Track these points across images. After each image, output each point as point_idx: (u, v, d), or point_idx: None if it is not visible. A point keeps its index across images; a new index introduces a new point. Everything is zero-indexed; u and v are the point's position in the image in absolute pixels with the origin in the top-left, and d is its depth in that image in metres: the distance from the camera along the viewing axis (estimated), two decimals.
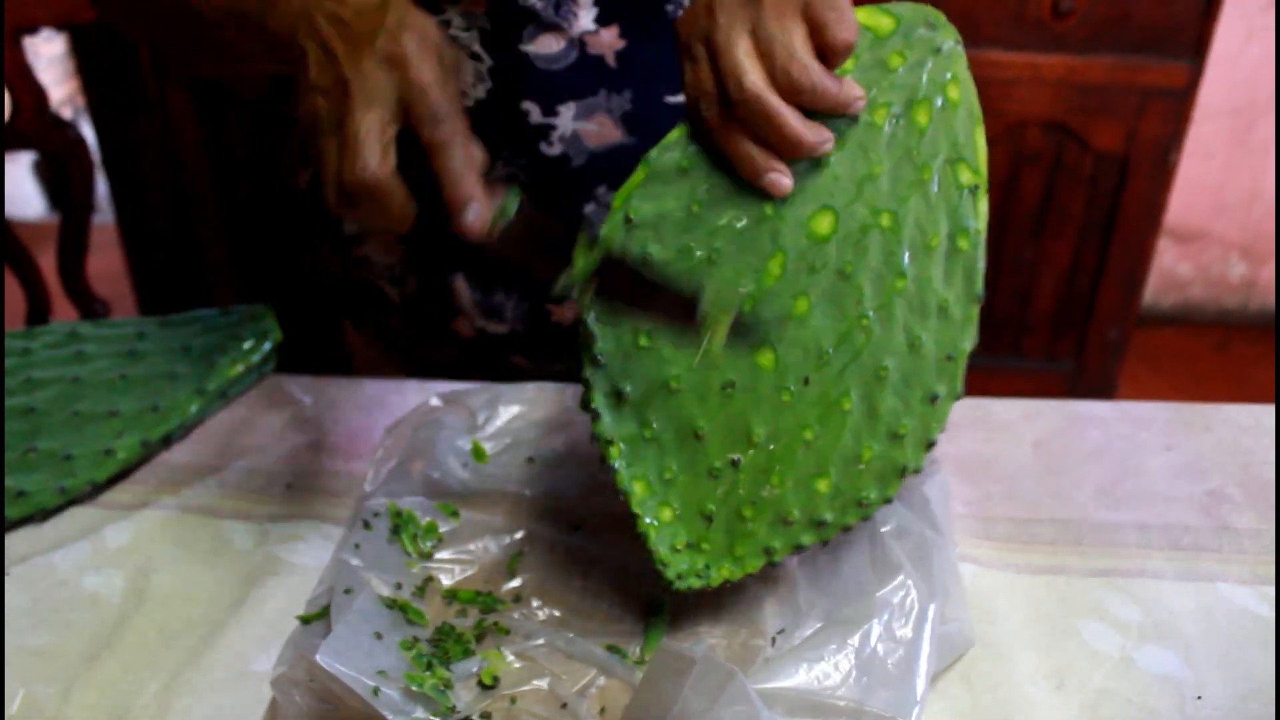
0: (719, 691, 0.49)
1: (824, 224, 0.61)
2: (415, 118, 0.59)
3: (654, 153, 0.62)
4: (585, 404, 0.63)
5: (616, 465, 0.62)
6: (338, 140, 0.59)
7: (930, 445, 0.62)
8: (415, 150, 0.60)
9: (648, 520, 0.62)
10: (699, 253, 0.61)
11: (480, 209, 0.59)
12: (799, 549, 0.62)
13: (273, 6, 0.64)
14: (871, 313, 0.61)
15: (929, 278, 0.62)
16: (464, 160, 0.59)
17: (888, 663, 0.55)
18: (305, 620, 0.61)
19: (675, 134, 0.62)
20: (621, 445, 0.62)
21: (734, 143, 0.59)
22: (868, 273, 0.61)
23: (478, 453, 0.74)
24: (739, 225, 0.61)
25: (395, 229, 0.61)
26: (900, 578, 0.58)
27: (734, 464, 0.62)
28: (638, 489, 0.62)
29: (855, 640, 0.55)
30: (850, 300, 0.61)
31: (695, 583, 0.62)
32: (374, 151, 0.57)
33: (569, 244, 0.60)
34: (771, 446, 0.62)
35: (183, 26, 0.72)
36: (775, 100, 0.56)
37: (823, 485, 0.61)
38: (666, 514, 0.63)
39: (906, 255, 0.61)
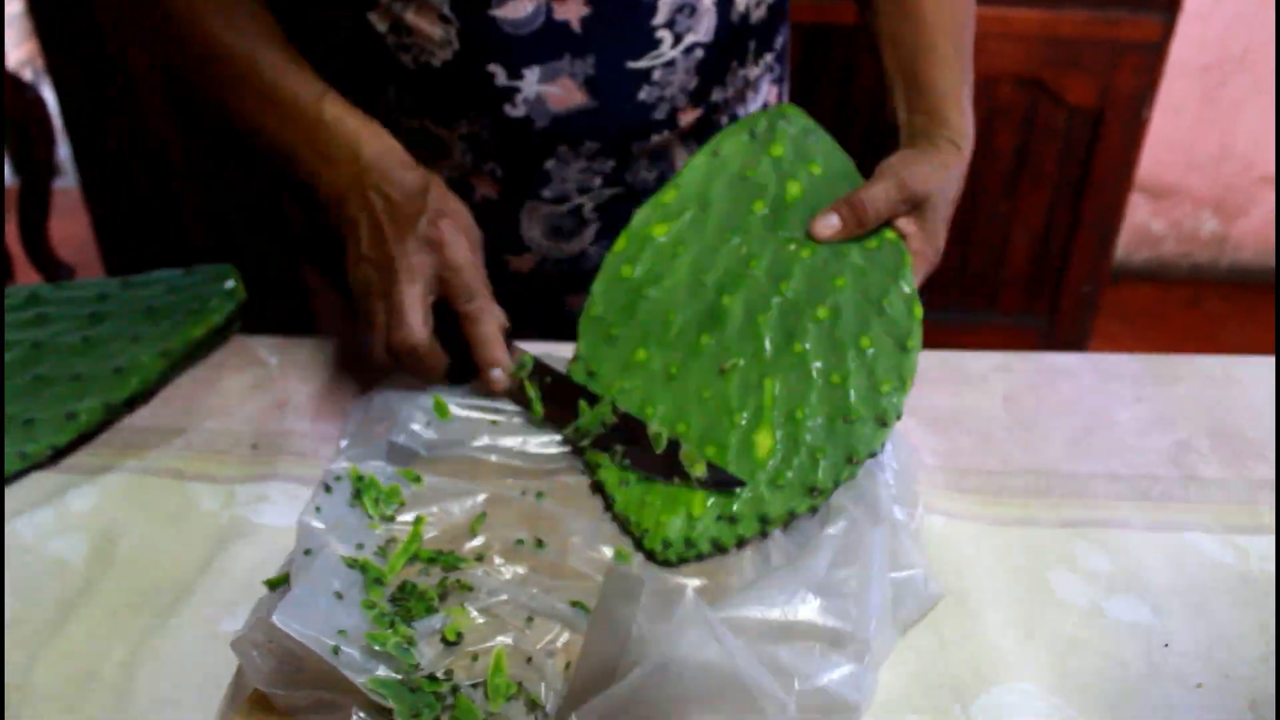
0: (672, 608, 0.48)
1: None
2: (451, 292, 0.72)
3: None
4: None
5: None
6: (385, 306, 0.70)
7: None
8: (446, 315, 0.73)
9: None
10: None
11: (505, 370, 0.73)
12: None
13: (323, 174, 0.73)
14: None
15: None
16: (493, 329, 0.73)
17: (843, 589, 0.56)
18: (271, 585, 0.61)
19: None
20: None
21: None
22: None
23: (440, 409, 0.73)
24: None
25: (431, 380, 0.74)
26: (844, 520, 0.61)
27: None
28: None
29: (813, 568, 0.56)
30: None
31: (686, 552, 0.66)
32: (417, 320, 0.70)
33: (571, 393, 0.73)
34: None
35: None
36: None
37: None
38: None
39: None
